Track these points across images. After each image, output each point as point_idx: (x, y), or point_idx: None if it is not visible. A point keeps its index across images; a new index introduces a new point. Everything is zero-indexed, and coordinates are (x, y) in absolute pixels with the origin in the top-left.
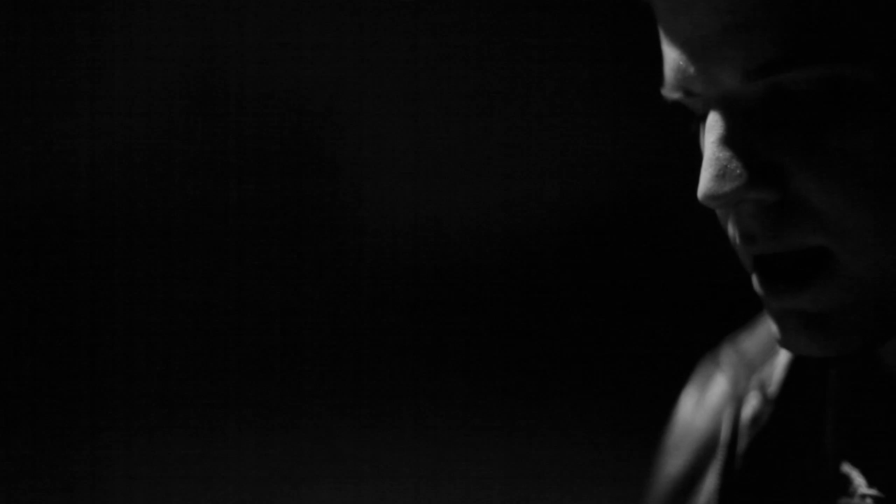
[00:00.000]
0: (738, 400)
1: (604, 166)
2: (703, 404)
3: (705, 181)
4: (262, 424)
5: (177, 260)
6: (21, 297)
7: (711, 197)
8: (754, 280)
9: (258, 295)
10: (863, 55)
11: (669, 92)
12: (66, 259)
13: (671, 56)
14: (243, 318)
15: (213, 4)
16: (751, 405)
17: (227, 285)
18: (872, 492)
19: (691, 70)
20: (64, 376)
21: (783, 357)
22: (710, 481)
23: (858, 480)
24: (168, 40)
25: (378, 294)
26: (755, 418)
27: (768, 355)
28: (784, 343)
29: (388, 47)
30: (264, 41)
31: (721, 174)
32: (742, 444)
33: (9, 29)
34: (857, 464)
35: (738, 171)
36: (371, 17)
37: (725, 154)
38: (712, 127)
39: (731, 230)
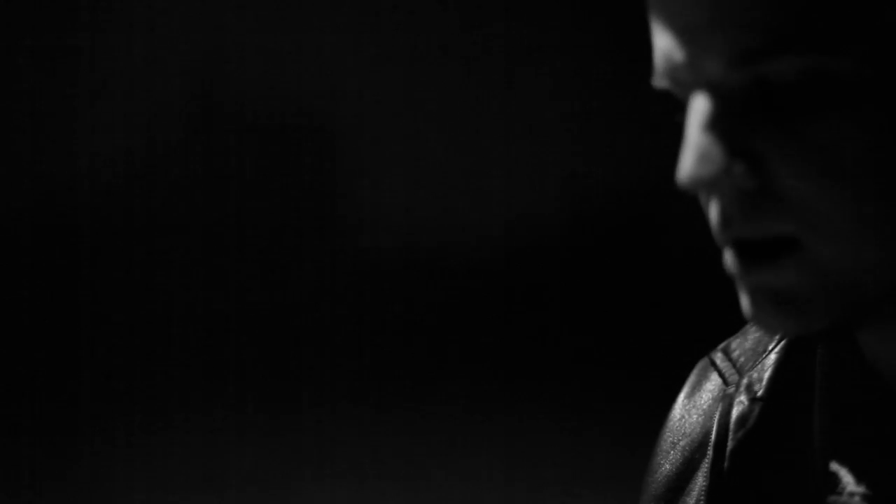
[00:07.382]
0: (728, 400)
1: (604, 168)
2: (695, 406)
3: (685, 165)
4: (262, 424)
5: (176, 261)
6: (21, 299)
7: (690, 180)
8: (726, 256)
9: (258, 296)
10: (844, 48)
11: (658, 80)
12: (65, 260)
13: (660, 44)
14: (243, 318)
15: (215, 10)
16: (739, 405)
17: (227, 286)
18: (860, 489)
19: (678, 57)
20: (64, 376)
21: (772, 357)
22: (700, 481)
23: (847, 479)
24: (169, 44)
25: (377, 294)
26: (743, 418)
27: (758, 357)
28: (753, 318)
29: (388, 51)
30: (266, 46)
31: (700, 158)
32: (731, 443)
33: (9, 30)
34: (844, 462)
35: (717, 157)
36: (371, 21)
37: (706, 139)
38: (695, 112)
39: (711, 214)
